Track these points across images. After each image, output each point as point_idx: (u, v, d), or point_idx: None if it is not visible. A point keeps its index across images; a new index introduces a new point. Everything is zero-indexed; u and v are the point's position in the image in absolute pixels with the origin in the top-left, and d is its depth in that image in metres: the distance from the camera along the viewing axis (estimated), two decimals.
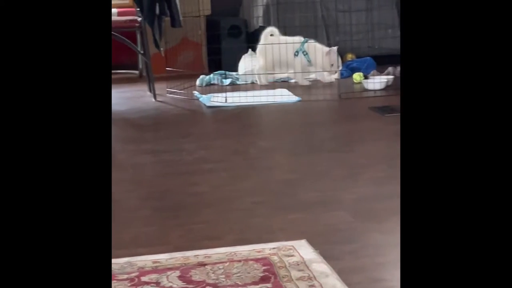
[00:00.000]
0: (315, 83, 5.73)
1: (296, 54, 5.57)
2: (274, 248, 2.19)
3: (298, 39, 5.64)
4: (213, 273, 2.03)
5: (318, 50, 5.56)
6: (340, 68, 5.77)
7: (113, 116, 4.01)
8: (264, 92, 5.15)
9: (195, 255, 2.17)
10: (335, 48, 5.54)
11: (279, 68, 5.69)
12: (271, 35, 5.68)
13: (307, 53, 5.55)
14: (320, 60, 5.56)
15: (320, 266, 2.04)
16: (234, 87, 5.61)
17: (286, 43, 5.50)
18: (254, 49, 6.18)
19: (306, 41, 5.61)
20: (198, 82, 5.80)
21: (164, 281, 2.00)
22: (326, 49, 5.55)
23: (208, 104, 4.94)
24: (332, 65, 5.54)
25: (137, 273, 2.05)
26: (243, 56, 6.05)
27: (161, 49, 5.41)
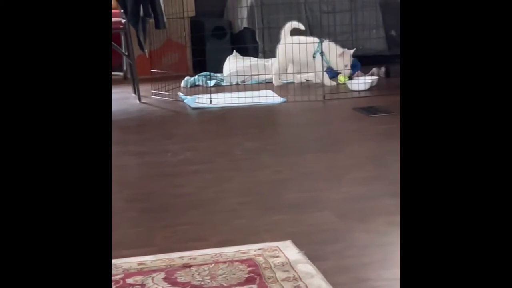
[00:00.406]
0: (305, 84, 5.73)
1: (314, 56, 5.51)
2: (259, 249, 2.19)
3: (312, 39, 5.57)
4: (198, 274, 2.03)
5: (332, 50, 5.51)
6: (325, 69, 5.77)
7: None
8: (249, 93, 5.15)
9: (180, 257, 2.17)
10: (349, 50, 5.50)
11: (295, 68, 5.63)
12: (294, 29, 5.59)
13: (324, 54, 5.49)
14: (334, 61, 5.52)
15: (305, 267, 2.04)
16: (219, 88, 5.61)
17: (306, 43, 5.43)
18: (238, 50, 6.18)
19: (322, 41, 5.54)
20: (182, 83, 5.80)
21: (149, 283, 1.99)
22: (340, 50, 5.51)
23: (193, 105, 4.94)
24: (346, 66, 5.50)
25: (122, 275, 2.04)
26: (228, 57, 6.05)
27: (146, 50, 5.40)
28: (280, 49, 5.62)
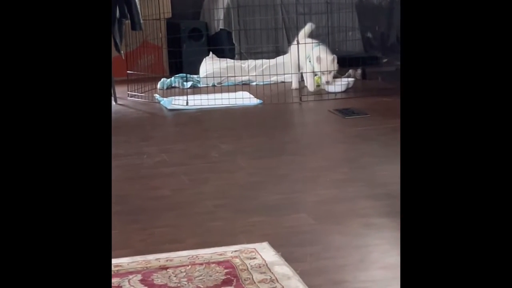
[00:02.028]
0: (280, 86, 5.73)
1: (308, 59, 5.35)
2: (236, 251, 2.20)
3: (311, 40, 5.42)
4: (175, 276, 2.03)
5: (323, 55, 5.30)
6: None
7: None
8: (225, 95, 5.15)
9: (156, 259, 2.16)
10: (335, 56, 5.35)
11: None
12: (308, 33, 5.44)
13: (310, 60, 5.33)
14: (317, 65, 5.33)
15: (282, 269, 2.05)
16: (195, 90, 5.60)
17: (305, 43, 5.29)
18: (214, 52, 6.16)
19: (318, 44, 5.39)
20: (159, 85, 5.78)
21: (126, 285, 1.99)
22: (331, 56, 5.31)
23: (169, 107, 4.93)
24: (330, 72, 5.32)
25: None
26: (204, 59, 6.05)
27: (122, 52, 5.38)
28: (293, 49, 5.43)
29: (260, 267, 2.07)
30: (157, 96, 5.32)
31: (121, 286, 1.98)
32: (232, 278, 2.00)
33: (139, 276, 2.04)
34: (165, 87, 5.75)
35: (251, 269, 2.06)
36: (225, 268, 2.07)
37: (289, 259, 2.12)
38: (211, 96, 5.14)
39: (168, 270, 2.07)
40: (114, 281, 2.01)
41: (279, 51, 6.34)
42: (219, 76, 5.73)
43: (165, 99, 5.13)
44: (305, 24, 5.68)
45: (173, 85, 5.81)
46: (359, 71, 5.87)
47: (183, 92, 5.33)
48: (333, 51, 5.59)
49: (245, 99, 5.07)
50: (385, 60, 6.18)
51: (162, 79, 5.83)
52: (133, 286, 1.98)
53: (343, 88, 5.31)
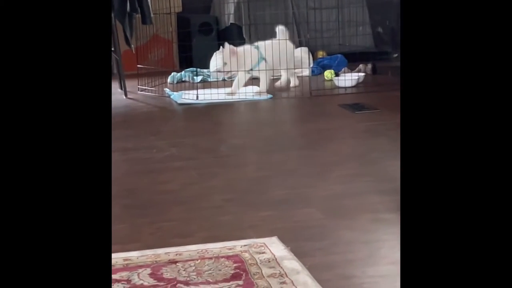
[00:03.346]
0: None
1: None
2: (245, 245, 2.20)
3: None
4: (184, 270, 2.03)
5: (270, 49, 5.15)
6: (312, 65, 5.78)
7: None
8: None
9: (166, 253, 2.17)
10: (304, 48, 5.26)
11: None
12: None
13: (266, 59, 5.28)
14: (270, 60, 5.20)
15: (291, 263, 2.05)
16: (205, 84, 5.60)
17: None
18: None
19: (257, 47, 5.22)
20: (169, 79, 5.78)
21: (135, 278, 1.99)
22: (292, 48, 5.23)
23: (179, 101, 4.93)
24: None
25: None
26: (214, 53, 6.04)
27: (132, 46, 5.39)
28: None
29: (269, 261, 2.07)
30: (167, 90, 5.32)
31: (130, 280, 1.98)
32: (241, 272, 2.00)
33: (149, 270, 2.04)
34: (175, 81, 5.75)
35: (260, 263, 2.06)
36: (234, 262, 2.07)
37: (298, 253, 2.12)
38: (221, 90, 5.14)
39: (177, 264, 2.08)
40: (124, 274, 2.02)
41: None
42: (229, 70, 5.72)
43: (175, 93, 5.13)
44: (315, 19, 5.67)
45: (183, 79, 5.81)
46: (369, 66, 5.85)
47: (193, 86, 5.33)
48: (343, 45, 5.58)
49: (255, 93, 5.07)
50: (395, 55, 6.17)
51: (172, 73, 5.83)
52: (142, 279, 1.98)
53: (354, 83, 5.30)
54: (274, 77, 5.33)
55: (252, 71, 5.14)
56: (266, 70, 5.11)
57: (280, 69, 5.24)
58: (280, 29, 5.28)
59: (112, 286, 1.95)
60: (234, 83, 5.15)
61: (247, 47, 5.26)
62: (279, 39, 5.19)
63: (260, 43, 5.24)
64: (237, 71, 5.11)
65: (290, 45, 5.29)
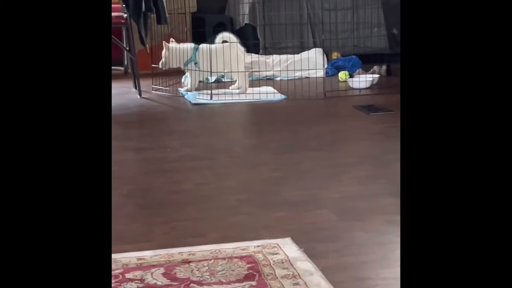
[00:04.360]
0: (305, 81, 5.73)
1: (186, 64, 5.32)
2: (258, 246, 2.20)
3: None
4: (197, 270, 2.03)
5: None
6: (326, 66, 5.78)
7: None
8: (249, 89, 5.15)
9: (179, 252, 2.17)
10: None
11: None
12: (224, 41, 5.32)
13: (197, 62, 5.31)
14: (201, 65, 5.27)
15: (304, 264, 2.04)
16: (220, 84, 5.60)
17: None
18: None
19: (197, 48, 5.30)
20: (183, 79, 5.79)
21: (148, 278, 2.00)
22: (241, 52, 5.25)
23: (193, 101, 4.94)
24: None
25: (121, 270, 2.05)
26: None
27: (147, 45, 5.40)
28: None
29: (282, 262, 2.07)
30: (181, 90, 5.32)
31: (144, 279, 1.99)
32: (255, 273, 2.00)
33: (162, 270, 2.05)
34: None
35: (273, 264, 2.06)
36: (248, 263, 2.07)
37: (312, 255, 2.11)
38: (235, 90, 5.14)
39: (190, 264, 2.08)
40: (137, 273, 2.02)
41: (303, 46, 6.33)
42: (244, 70, 5.73)
43: (189, 93, 5.14)
44: (330, 20, 5.67)
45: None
46: (384, 67, 5.84)
47: (207, 86, 5.34)
48: (358, 47, 5.59)
49: (269, 94, 5.07)
50: None
51: (186, 73, 5.84)
52: (155, 279, 1.99)
53: (368, 85, 5.29)
54: (231, 80, 5.41)
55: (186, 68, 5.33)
56: (193, 70, 5.25)
57: (231, 73, 5.27)
58: (224, 35, 5.32)
59: (126, 285, 1.95)
60: (187, 80, 5.31)
61: (185, 45, 5.35)
62: (230, 43, 5.23)
63: (202, 46, 5.30)
64: (234, 72, 5.18)
65: (241, 49, 5.28)
